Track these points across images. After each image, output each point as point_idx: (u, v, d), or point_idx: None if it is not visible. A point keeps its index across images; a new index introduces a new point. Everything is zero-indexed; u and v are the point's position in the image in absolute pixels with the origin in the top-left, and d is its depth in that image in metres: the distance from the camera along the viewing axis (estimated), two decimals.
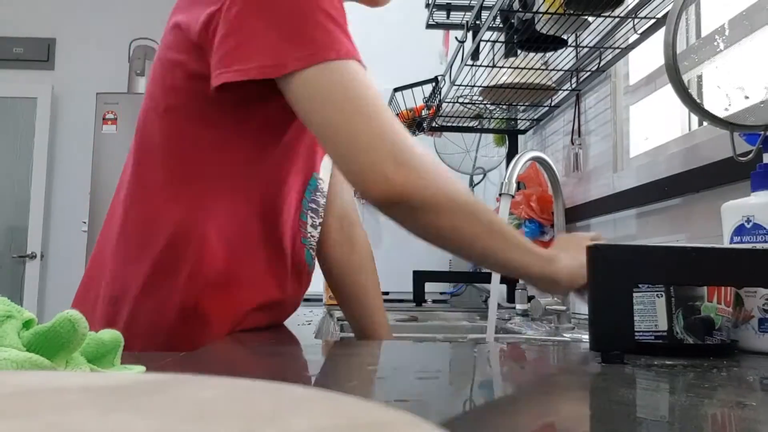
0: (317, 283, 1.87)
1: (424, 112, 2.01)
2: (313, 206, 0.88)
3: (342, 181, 0.96)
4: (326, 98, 0.67)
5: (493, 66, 1.52)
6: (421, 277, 1.92)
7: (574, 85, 1.61)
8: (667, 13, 0.96)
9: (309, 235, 0.87)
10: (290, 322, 1.01)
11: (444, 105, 1.81)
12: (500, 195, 1.16)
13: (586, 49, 1.44)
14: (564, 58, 1.51)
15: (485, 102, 1.76)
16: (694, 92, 0.80)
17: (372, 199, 0.66)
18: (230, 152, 0.76)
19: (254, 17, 0.67)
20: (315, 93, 0.67)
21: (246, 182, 0.77)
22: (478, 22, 1.42)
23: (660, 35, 0.92)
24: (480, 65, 1.53)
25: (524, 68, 1.53)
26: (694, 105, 0.76)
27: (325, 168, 0.89)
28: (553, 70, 1.58)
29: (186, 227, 0.75)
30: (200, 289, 0.75)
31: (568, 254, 0.75)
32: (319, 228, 0.91)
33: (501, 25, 1.46)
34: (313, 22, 0.67)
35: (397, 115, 2.16)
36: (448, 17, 1.87)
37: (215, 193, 0.76)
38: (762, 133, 0.71)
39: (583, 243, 0.66)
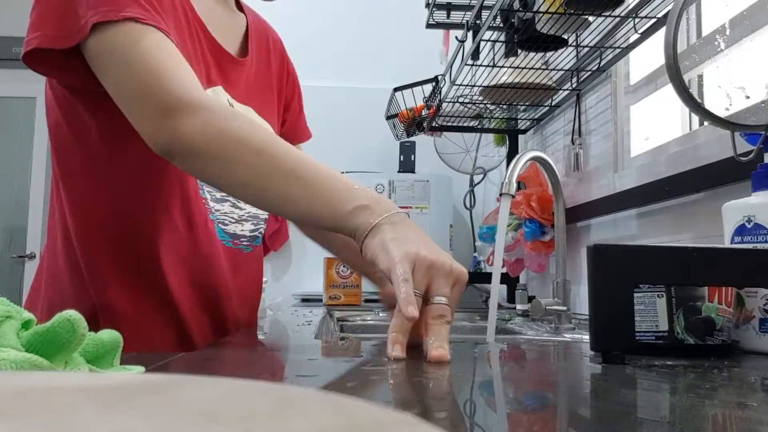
0: (317, 284, 1.87)
1: (424, 112, 2.01)
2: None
3: None
4: (105, 65, 0.68)
5: (494, 66, 1.52)
6: None
7: (574, 85, 1.60)
8: (667, 12, 0.96)
9: (214, 210, 0.83)
10: (290, 323, 1.01)
11: (444, 105, 1.81)
12: (500, 195, 1.16)
13: (586, 49, 1.44)
14: (564, 58, 1.51)
15: (485, 102, 1.76)
16: (694, 92, 0.80)
17: (154, 150, 0.66)
18: (88, 145, 0.76)
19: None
20: (96, 61, 0.68)
21: (108, 173, 0.76)
22: (478, 21, 1.41)
23: (660, 35, 0.92)
24: (480, 65, 1.53)
25: (524, 68, 1.53)
26: (694, 105, 0.76)
27: None
28: (553, 69, 1.57)
29: (68, 231, 0.76)
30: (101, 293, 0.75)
31: (405, 224, 0.60)
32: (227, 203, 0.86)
33: (501, 25, 1.45)
34: None
35: (397, 114, 2.16)
36: (448, 17, 1.87)
37: (82, 191, 0.77)
38: (763, 133, 0.71)
39: (426, 242, 0.57)
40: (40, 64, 0.72)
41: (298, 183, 0.62)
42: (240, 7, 0.94)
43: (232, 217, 0.84)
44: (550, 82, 1.61)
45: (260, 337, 0.84)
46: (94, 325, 0.73)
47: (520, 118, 1.96)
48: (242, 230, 0.86)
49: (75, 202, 0.77)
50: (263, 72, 0.93)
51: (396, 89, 2.13)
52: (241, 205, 0.85)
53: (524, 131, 2.03)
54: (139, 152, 0.71)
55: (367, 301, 1.86)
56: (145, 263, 0.76)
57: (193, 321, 0.78)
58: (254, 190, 0.64)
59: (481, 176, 2.38)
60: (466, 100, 1.78)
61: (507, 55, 1.56)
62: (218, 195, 0.84)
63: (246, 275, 0.88)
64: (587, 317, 0.58)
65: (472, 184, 2.40)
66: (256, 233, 0.88)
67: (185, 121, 0.63)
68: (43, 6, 0.70)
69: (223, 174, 0.64)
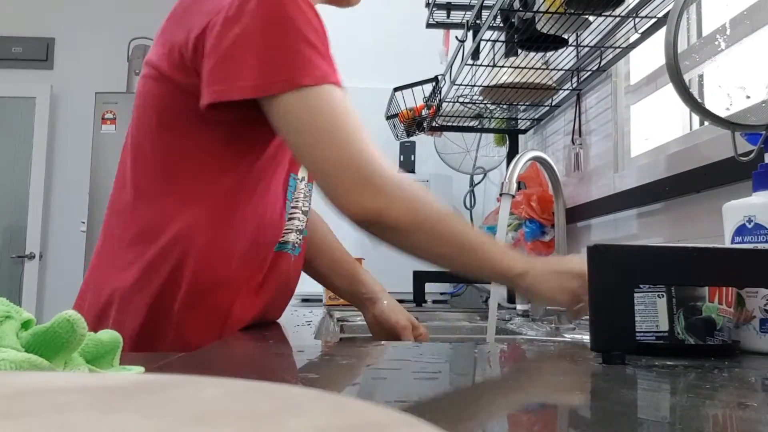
0: (317, 284, 1.87)
1: (424, 112, 2.01)
2: (293, 211, 0.89)
3: None
4: (300, 126, 0.72)
5: (494, 65, 1.52)
6: (421, 278, 1.92)
7: (574, 85, 1.60)
8: (668, 12, 0.96)
9: (289, 239, 0.89)
10: (290, 323, 1.01)
11: (444, 104, 1.81)
12: (501, 195, 1.16)
13: (586, 49, 1.44)
14: (564, 58, 1.51)
15: (485, 102, 1.76)
16: (695, 92, 0.80)
17: (348, 221, 0.72)
18: (218, 165, 0.79)
19: (235, 41, 0.71)
20: (290, 120, 0.72)
21: (233, 193, 0.80)
22: (478, 21, 1.41)
23: (661, 34, 0.92)
24: (480, 65, 1.53)
25: (525, 68, 1.52)
26: (695, 105, 0.76)
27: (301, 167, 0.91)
28: (553, 69, 1.57)
29: (176, 237, 0.78)
30: (185, 295, 0.78)
31: (550, 273, 0.76)
32: (301, 228, 0.93)
33: (501, 25, 1.45)
34: (291, 46, 0.71)
35: (397, 114, 2.15)
36: (448, 16, 1.87)
37: (204, 203, 0.79)
38: (763, 132, 0.71)
39: (574, 268, 0.74)
40: (217, 108, 0.74)
41: (476, 256, 0.77)
42: None
43: (289, 228, 0.90)
44: (550, 82, 1.61)
45: (260, 337, 0.84)
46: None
47: (520, 118, 1.95)
48: (294, 239, 0.91)
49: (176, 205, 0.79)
50: None
51: (396, 89, 2.13)
52: (295, 216, 0.90)
53: (524, 131, 2.03)
54: (257, 181, 0.81)
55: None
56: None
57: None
58: (444, 262, 0.79)
59: (481, 176, 2.38)
60: (466, 100, 1.78)
61: (507, 54, 1.56)
62: (300, 223, 0.91)
63: (291, 280, 0.93)
64: (587, 317, 0.58)
65: (472, 184, 2.40)
66: (297, 244, 0.92)
67: (392, 200, 0.72)
68: (239, 55, 0.71)
69: (419, 248, 0.76)
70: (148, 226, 0.79)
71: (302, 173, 0.91)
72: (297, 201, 0.90)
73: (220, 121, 0.77)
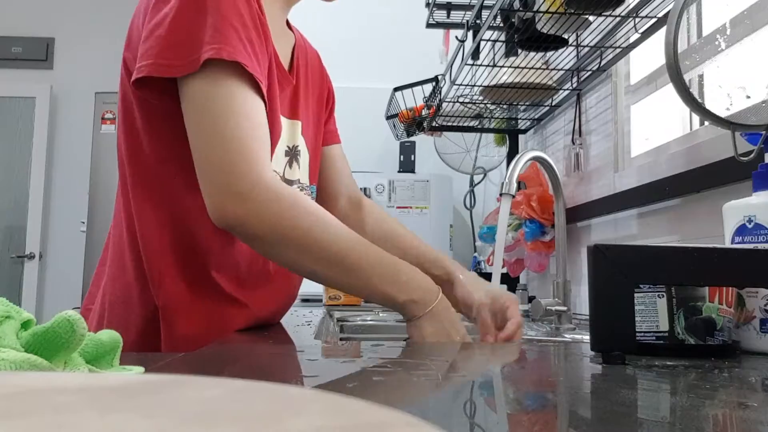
0: (317, 284, 1.87)
1: (424, 112, 2.01)
2: None
3: (341, 167, 1.02)
4: (190, 115, 0.71)
5: (494, 65, 1.52)
6: None
7: (574, 85, 1.60)
8: (668, 12, 0.96)
9: None
10: (290, 323, 1.01)
11: (444, 104, 1.81)
12: (501, 195, 1.16)
13: (586, 49, 1.44)
14: (565, 58, 1.51)
15: (486, 101, 1.76)
16: (695, 92, 0.80)
17: (214, 222, 0.70)
18: (173, 159, 0.77)
19: (161, 20, 0.71)
20: (185, 105, 0.71)
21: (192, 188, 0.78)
22: (478, 21, 1.41)
23: (661, 34, 0.92)
24: (480, 65, 1.53)
25: (525, 68, 1.52)
26: (695, 104, 0.76)
27: (278, 159, 0.87)
28: (553, 69, 1.57)
29: (153, 236, 0.77)
30: (173, 294, 0.77)
31: (436, 324, 0.74)
32: None
33: (501, 25, 1.45)
34: (201, 28, 0.70)
35: (397, 114, 2.16)
36: (448, 16, 1.87)
37: (172, 201, 0.78)
38: (763, 132, 0.70)
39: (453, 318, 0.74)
40: (144, 88, 0.73)
41: (358, 276, 0.72)
42: (289, 25, 0.97)
43: None
44: (550, 82, 1.61)
45: (260, 337, 0.84)
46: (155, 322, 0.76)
47: (520, 118, 1.95)
48: None
49: (147, 206, 0.79)
50: (306, 86, 0.97)
51: (396, 89, 2.14)
52: None
53: (524, 131, 2.03)
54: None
55: (367, 301, 1.86)
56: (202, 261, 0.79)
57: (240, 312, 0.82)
58: (320, 278, 0.74)
59: (481, 176, 2.38)
60: (467, 100, 1.78)
61: (507, 54, 1.56)
62: None
63: (292, 284, 0.92)
64: (587, 317, 0.58)
65: (472, 184, 2.40)
66: None
67: (255, 208, 0.68)
68: (164, 34, 0.71)
69: (290, 260, 0.72)
70: (129, 229, 0.79)
71: (277, 169, 0.88)
72: None
73: (164, 110, 0.75)
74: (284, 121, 0.87)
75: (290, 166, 0.89)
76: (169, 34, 0.70)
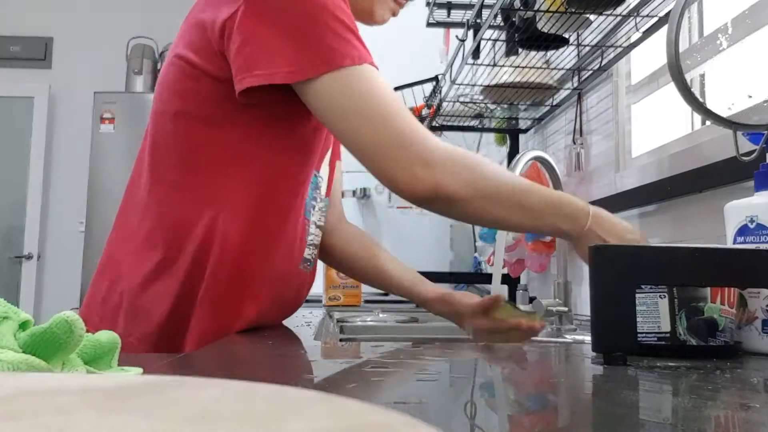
0: (317, 285, 1.86)
1: (424, 111, 2.01)
2: (314, 203, 0.88)
3: (335, 188, 1.03)
4: (344, 107, 0.71)
5: (494, 65, 1.52)
6: None
7: (575, 84, 1.60)
8: (669, 11, 0.96)
9: (310, 232, 0.88)
10: (290, 323, 1.01)
11: (444, 104, 1.81)
12: None
13: (587, 48, 1.44)
14: (565, 57, 1.51)
15: (486, 101, 1.76)
16: (696, 91, 0.79)
17: (406, 198, 0.73)
18: (245, 154, 0.77)
19: (268, 25, 0.70)
20: (332, 102, 0.71)
21: (260, 184, 0.78)
22: (478, 20, 1.41)
23: (662, 34, 0.92)
24: (481, 64, 1.53)
25: (525, 67, 1.52)
26: (696, 104, 0.76)
27: (322, 165, 0.90)
28: (554, 68, 1.57)
29: (203, 227, 0.76)
30: (210, 285, 0.76)
31: (612, 222, 0.80)
32: (319, 229, 0.91)
33: (502, 24, 1.45)
34: (325, 28, 0.70)
35: None
36: (448, 15, 1.87)
37: (229, 194, 0.77)
38: (765, 132, 0.70)
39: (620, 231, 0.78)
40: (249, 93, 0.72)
41: (537, 216, 0.78)
42: None
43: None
44: (551, 82, 1.60)
45: (260, 337, 0.84)
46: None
47: (521, 118, 1.95)
48: (308, 254, 0.89)
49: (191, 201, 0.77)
50: None
51: (396, 89, 2.13)
52: (312, 232, 0.89)
53: (525, 131, 2.03)
54: (288, 173, 0.80)
55: (366, 301, 1.86)
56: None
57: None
58: (503, 224, 0.81)
59: None
60: (467, 100, 1.78)
61: (508, 54, 1.56)
62: (320, 221, 0.91)
63: (300, 295, 0.93)
64: (589, 318, 0.57)
65: None
66: (310, 258, 0.91)
67: (446, 172, 0.72)
68: (274, 39, 0.70)
69: (480, 214, 0.77)
70: (171, 219, 0.77)
71: (323, 172, 0.90)
72: (315, 198, 0.88)
73: (249, 107, 0.75)
74: None
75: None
76: (288, 38, 0.70)
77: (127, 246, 0.80)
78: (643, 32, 1.26)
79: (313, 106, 0.72)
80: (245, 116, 0.76)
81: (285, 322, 0.99)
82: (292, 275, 0.85)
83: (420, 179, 0.71)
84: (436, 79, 1.91)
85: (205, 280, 0.76)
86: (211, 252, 0.76)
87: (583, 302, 1.50)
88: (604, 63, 1.44)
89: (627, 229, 0.80)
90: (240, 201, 0.77)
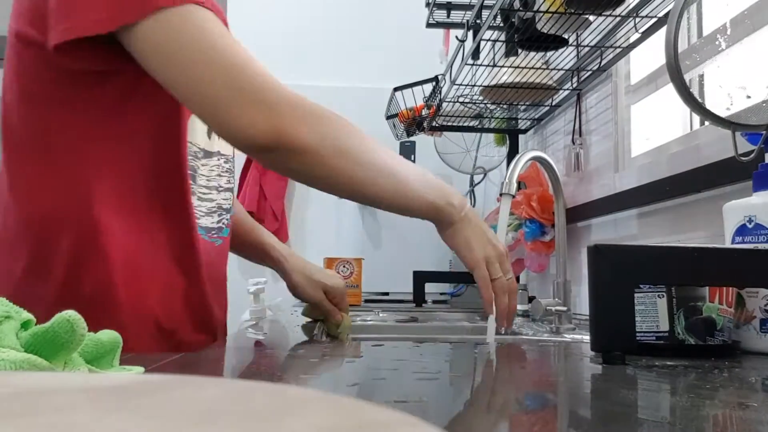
0: None
1: (424, 112, 2.01)
2: (204, 183, 0.80)
3: None
4: (170, 53, 0.63)
5: (494, 65, 1.52)
6: (421, 278, 1.92)
7: (575, 85, 1.60)
8: (668, 12, 0.96)
9: (207, 198, 0.80)
10: (290, 323, 1.01)
11: (444, 104, 1.81)
12: (501, 195, 1.16)
13: (587, 49, 1.44)
14: (565, 58, 1.51)
15: (486, 101, 1.76)
16: (695, 92, 0.79)
17: (244, 149, 0.65)
18: (106, 134, 0.70)
19: None
20: (157, 48, 0.63)
21: (128, 162, 0.70)
22: (478, 21, 1.41)
23: (661, 34, 0.92)
24: (480, 64, 1.53)
25: (525, 67, 1.52)
26: (695, 104, 0.76)
27: (195, 131, 0.79)
28: (553, 69, 1.57)
29: (74, 221, 0.69)
30: (99, 283, 0.69)
31: (478, 225, 0.77)
32: (227, 207, 0.83)
33: (501, 24, 1.45)
34: None
35: (397, 114, 2.15)
36: (448, 16, 1.87)
37: (94, 180, 0.69)
38: (764, 132, 0.70)
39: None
40: (68, 53, 0.65)
41: (400, 182, 0.71)
42: None
43: (201, 211, 0.79)
44: (550, 82, 1.61)
45: (260, 337, 0.84)
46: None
47: (520, 118, 1.95)
48: (212, 222, 0.81)
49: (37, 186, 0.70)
50: None
51: (396, 89, 2.13)
52: (209, 197, 0.80)
53: (524, 131, 2.03)
54: (158, 144, 0.71)
55: (367, 301, 1.86)
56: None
57: (176, 319, 0.74)
58: (358, 187, 0.69)
59: (482, 176, 2.38)
60: (467, 100, 1.78)
61: (507, 54, 1.56)
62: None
63: (218, 269, 0.83)
64: (588, 317, 0.58)
65: (473, 184, 2.40)
66: (221, 224, 0.83)
67: (293, 117, 0.63)
68: None
69: (335, 174, 0.67)
70: (35, 219, 0.69)
71: (219, 146, 0.81)
72: (206, 178, 0.79)
73: (85, 76, 0.67)
74: None
75: (210, 136, 0.81)
76: None
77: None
78: (642, 33, 1.26)
79: (137, 57, 0.64)
80: (94, 91, 0.69)
81: (285, 322, 0.98)
82: (196, 253, 0.76)
83: (258, 123, 0.62)
84: (435, 79, 1.91)
85: (89, 282, 0.67)
86: (91, 250, 0.68)
87: (582, 302, 1.50)
88: (603, 63, 1.44)
89: (492, 235, 0.79)
90: (112, 188, 0.69)
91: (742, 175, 0.85)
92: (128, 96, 0.70)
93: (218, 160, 0.83)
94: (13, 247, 0.70)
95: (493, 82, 1.58)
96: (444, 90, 1.73)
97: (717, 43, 0.85)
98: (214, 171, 0.81)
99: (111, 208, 0.69)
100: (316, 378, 0.48)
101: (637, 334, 0.59)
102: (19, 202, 0.71)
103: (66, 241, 0.68)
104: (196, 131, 0.77)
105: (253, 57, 0.65)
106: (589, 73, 1.51)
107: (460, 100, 1.77)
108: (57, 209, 0.69)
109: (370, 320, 1.41)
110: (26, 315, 0.33)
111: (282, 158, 0.65)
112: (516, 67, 1.52)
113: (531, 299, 1.30)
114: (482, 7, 1.40)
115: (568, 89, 1.63)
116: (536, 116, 1.88)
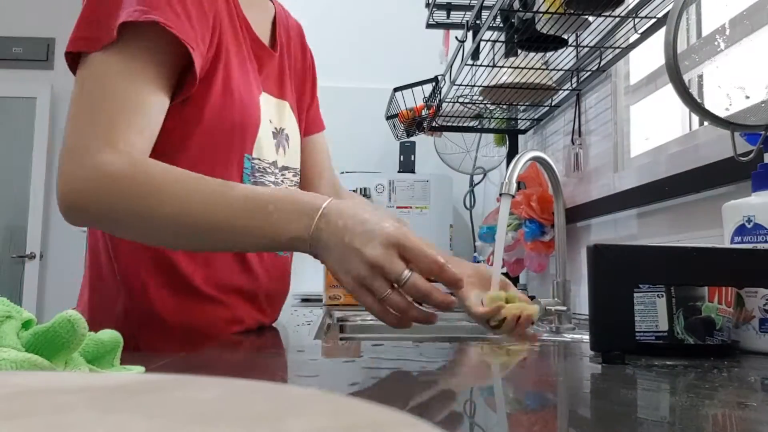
0: (317, 284, 1.86)
1: (424, 112, 2.01)
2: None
3: (325, 156, 0.99)
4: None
5: (494, 66, 1.52)
6: None
7: (574, 85, 1.60)
8: (667, 12, 0.96)
9: None
10: (290, 323, 1.01)
11: (444, 105, 1.81)
12: (500, 195, 1.16)
13: (586, 49, 1.44)
14: (564, 58, 1.51)
15: (485, 102, 1.76)
16: (694, 92, 0.80)
17: (61, 212, 0.66)
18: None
19: None
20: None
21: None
22: (478, 21, 1.42)
23: (660, 35, 0.92)
24: (480, 65, 1.53)
25: (524, 68, 1.52)
26: (694, 105, 0.76)
27: (261, 147, 0.80)
28: (553, 69, 1.57)
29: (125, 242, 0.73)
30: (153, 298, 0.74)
31: (337, 244, 0.60)
32: None
33: (501, 25, 1.46)
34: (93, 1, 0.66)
35: (397, 114, 2.16)
36: (448, 17, 1.87)
37: None
38: (763, 133, 0.71)
39: (365, 247, 0.59)
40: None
41: (220, 237, 0.63)
42: None
43: None
44: (550, 82, 1.61)
45: (260, 338, 0.84)
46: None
47: (520, 118, 1.96)
48: None
49: None
50: (290, 63, 0.91)
51: (396, 89, 2.14)
52: None
53: (524, 131, 2.03)
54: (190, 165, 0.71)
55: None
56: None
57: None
58: (180, 248, 0.70)
59: (481, 176, 2.38)
60: (466, 100, 1.78)
61: (507, 55, 1.56)
62: None
63: (282, 282, 0.88)
64: (587, 317, 0.58)
65: (472, 184, 2.40)
66: None
67: (93, 187, 0.63)
68: (85, 8, 0.68)
69: (137, 235, 0.66)
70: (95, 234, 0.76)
71: (267, 154, 0.81)
72: (261, 182, 0.80)
73: None
74: (270, 101, 0.83)
75: (278, 151, 0.83)
76: (87, 7, 0.66)
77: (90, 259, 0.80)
78: (642, 33, 1.26)
79: None
80: None
81: (285, 322, 0.99)
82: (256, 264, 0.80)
83: (59, 186, 0.65)
84: (435, 80, 1.91)
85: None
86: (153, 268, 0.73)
87: (581, 301, 1.50)
88: (602, 64, 1.44)
89: (363, 237, 0.60)
90: None
91: (741, 175, 0.85)
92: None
93: (286, 173, 0.86)
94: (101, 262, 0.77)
95: (493, 83, 1.58)
96: (444, 90, 1.73)
97: (716, 43, 0.85)
98: (284, 183, 0.85)
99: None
100: (316, 378, 0.48)
101: (637, 334, 0.59)
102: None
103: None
104: (262, 147, 0.80)
105: (122, 112, 0.64)
106: (589, 73, 1.51)
107: (460, 100, 1.78)
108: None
109: (370, 320, 1.41)
110: (27, 315, 0.33)
111: (81, 222, 0.67)
112: (515, 68, 1.53)
113: (531, 299, 1.30)
114: (482, 7, 1.41)
115: (567, 89, 1.63)
116: (536, 116, 1.88)
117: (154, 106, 0.67)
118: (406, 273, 0.60)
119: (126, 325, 0.72)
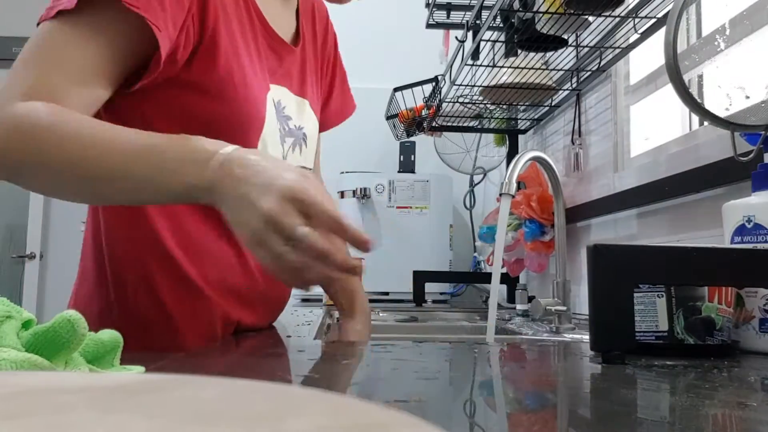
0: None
1: (424, 112, 2.01)
2: None
3: (315, 161, 0.96)
4: None
5: (494, 66, 1.52)
6: (421, 277, 1.92)
7: (574, 85, 1.60)
8: (667, 12, 0.96)
9: None
10: (290, 323, 1.01)
11: (444, 105, 1.81)
12: (500, 195, 1.16)
13: (586, 49, 1.44)
14: (564, 58, 1.51)
15: (485, 102, 1.76)
16: (694, 92, 0.80)
17: None
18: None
19: None
20: None
21: None
22: (478, 21, 1.42)
23: (660, 35, 0.92)
24: (480, 65, 1.53)
25: (524, 68, 1.52)
26: (694, 105, 0.76)
27: (266, 146, 0.77)
28: (553, 69, 1.57)
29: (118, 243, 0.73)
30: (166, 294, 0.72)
31: (235, 196, 0.54)
32: None
33: (501, 25, 1.46)
34: None
35: (397, 114, 2.16)
36: (448, 17, 1.87)
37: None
38: (763, 132, 0.71)
39: (260, 200, 0.52)
40: None
41: (114, 183, 0.60)
42: None
43: None
44: (550, 82, 1.61)
45: (260, 337, 0.84)
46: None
47: (520, 118, 1.96)
48: None
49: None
50: (312, 56, 0.89)
51: (396, 89, 2.14)
52: None
53: (524, 131, 2.03)
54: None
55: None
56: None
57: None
58: (79, 198, 0.65)
59: (481, 176, 2.38)
60: (466, 100, 1.78)
61: (507, 55, 1.56)
62: None
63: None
64: (587, 317, 0.58)
65: (472, 184, 2.40)
66: None
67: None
68: None
69: (42, 188, 0.64)
70: (97, 228, 0.75)
71: (271, 148, 0.78)
72: None
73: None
74: (289, 97, 0.80)
75: (293, 150, 0.81)
76: None
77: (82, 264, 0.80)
78: (642, 33, 1.26)
79: None
80: (124, 102, 0.69)
81: (285, 322, 0.99)
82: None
83: None
84: (435, 80, 1.91)
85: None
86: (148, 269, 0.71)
87: (581, 301, 1.51)
88: (602, 64, 1.44)
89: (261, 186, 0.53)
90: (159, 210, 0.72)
91: (741, 175, 0.85)
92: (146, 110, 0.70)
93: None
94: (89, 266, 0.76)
95: (493, 83, 1.58)
96: (444, 90, 1.73)
97: (716, 43, 0.85)
98: None
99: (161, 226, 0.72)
100: (316, 378, 0.48)
101: (637, 334, 0.59)
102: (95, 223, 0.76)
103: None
104: (267, 146, 0.76)
105: (48, 71, 0.64)
106: (589, 73, 1.51)
107: (460, 100, 1.78)
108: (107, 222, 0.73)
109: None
110: (27, 314, 0.33)
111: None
112: (515, 68, 1.53)
113: (531, 299, 1.30)
114: (482, 7, 1.41)
115: (567, 89, 1.63)
116: (536, 116, 1.88)
117: (93, 70, 0.64)
118: (302, 230, 0.52)
119: (109, 322, 0.70)
